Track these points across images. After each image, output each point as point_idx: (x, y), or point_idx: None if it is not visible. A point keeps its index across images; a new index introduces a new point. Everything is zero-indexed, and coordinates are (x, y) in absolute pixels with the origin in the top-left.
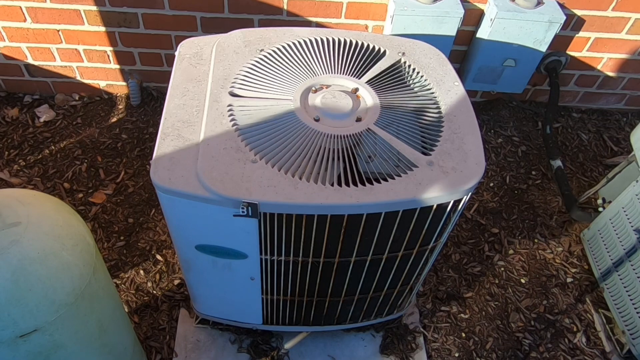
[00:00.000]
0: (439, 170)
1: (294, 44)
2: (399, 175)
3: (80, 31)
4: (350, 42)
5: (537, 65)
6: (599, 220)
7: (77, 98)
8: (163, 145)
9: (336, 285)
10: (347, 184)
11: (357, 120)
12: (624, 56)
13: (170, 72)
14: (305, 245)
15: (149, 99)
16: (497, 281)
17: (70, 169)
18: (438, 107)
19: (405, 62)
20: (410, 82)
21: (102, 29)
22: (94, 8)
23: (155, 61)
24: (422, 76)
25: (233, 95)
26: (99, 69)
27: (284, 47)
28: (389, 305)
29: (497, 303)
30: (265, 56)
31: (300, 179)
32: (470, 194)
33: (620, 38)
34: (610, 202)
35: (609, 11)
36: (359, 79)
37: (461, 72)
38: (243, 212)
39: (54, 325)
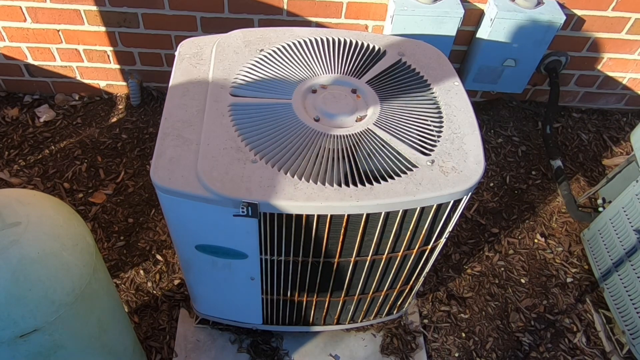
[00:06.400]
0: (439, 170)
1: (294, 44)
2: (399, 175)
3: (80, 31)
4: (350, 42)
5: (537, 65)
6: (599, 220)
7: (77, 98)
8: (163, 145)
9: (336, 285)
10: (347, 184)
11: (357, 121)
12: (624, 56)
13: (170, 72)
14: (305, 245)
15: (149, 99)
16: (497, 281)
17: (70, 169)
18: (438, 107)
19: (405, 62)
20: (410, 82)
21: (102, 29)
22: (94, 8)
23: (155, 61)
24: (422, 76)
25: (233, 95)
26: (99, 69)
27: (284, 47)
28: (389, 306)
29: (497, 303)
30: (265, 56)
31: (300, 179)
32: (470, 194)
33: (620, 38)
34: (610, 202)
35: (609, 11)
36: (359, 79)
37: (461, 72)
38: (243, 212)
39: (54, 325)
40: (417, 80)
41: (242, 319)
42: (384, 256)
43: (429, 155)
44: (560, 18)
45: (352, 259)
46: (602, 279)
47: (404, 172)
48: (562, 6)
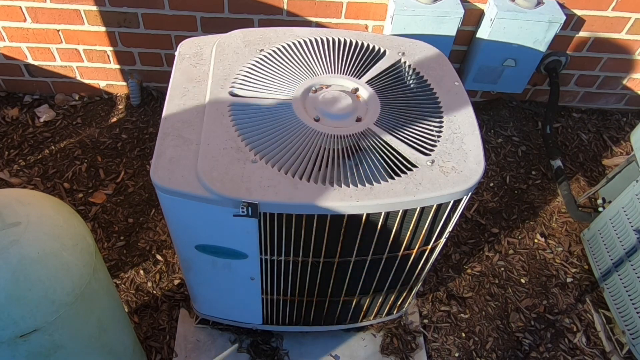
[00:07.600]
0: (439, 170)
1: (294, 44)
2: (399, 175)
3: (80, 31)
4: (350, 42)
5: (537, 65)
6: (599, 220)
7: (77, 98)
8: (163, 145)
9: (336, 285)
10: (347, 184)
11: (357, 120)
12: (624, 56)
13: (170, 72)
14: (305, 245)
15: (149, 99)
16: (497, 281)
17: (70, 169)
18: (438, 107)
19: (405, 62)
20: (410, 82)
21: (102, 29)
22: (94, 8)
23: (155, 61)
24: (422, 76)
25: (233, 95)
26: (99, 69)
27: (284, 47)
28: (389, 306)
29: (497, 303)
30: (265, 56)
31: (300, 179)
32: (470, 194)
33: (620, 38)
34: (610, 202)
35: (609, 11)
36: (359, 79)
37: (461, 72)
38: (243, 212)
39: (54, 325)
40: (417, 80)
41: (242, 319)
42: (384, 256)
43: (429, 155)
44: (560, 18)
45: (352, 259)
46: (602, 279)
47: (404, 172)
48: (562, 6)
